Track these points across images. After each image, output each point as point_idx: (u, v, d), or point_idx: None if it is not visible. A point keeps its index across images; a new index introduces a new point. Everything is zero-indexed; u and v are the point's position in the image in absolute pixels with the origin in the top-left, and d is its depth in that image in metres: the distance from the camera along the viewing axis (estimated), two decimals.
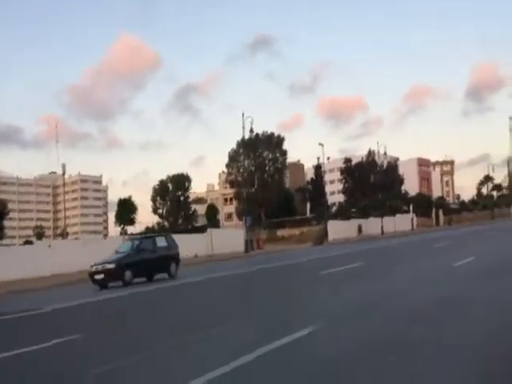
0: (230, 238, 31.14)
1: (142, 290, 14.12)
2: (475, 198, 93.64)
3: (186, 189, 68.23)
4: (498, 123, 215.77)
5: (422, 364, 4.56)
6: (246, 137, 37.98)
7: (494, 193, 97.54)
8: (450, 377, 4.13)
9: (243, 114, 34.73)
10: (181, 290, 13.43)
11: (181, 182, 67.62)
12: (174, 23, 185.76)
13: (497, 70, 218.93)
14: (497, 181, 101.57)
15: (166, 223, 64.58)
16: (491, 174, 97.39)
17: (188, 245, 27.67)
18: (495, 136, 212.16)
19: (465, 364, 4.47)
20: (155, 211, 66.53)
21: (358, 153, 75.89)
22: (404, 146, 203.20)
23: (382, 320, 6.82)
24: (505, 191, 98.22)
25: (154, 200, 66.87)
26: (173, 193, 66.62)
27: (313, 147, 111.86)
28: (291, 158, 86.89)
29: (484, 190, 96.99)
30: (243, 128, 34.80)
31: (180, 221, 64.02)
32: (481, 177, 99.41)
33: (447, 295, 8.49)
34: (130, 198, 21.56)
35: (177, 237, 30.31)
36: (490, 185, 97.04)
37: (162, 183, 67.78)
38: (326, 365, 4.74)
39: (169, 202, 65.68)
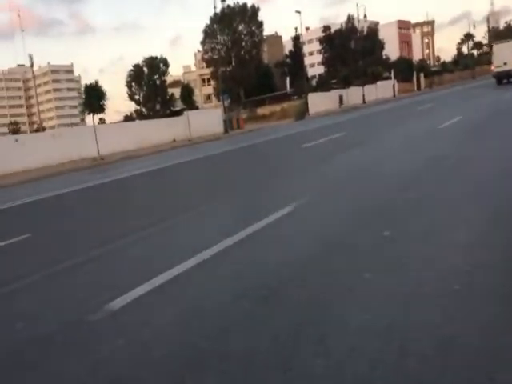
0: (208, 119, 29.98)
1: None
2: (456, 58, 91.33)
3: (163, 72, 64.80)
4: None
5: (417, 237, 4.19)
6: (218, 9, 34.43)
7: (475, 51, 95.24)
8: (447, 240, 3.77)
9: None
10: (154, 175, 12.91)
11: (156, 65, 63.98)
12: None
13: None
14: (477, 39, 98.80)
15: (143, 109, 62.52)
16: (472, 32, 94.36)
17: (165, 130, 26.79)
18: None
19: (465, 223, 4.11)
20: (131, 97, 63.65)
21: (339, 20, 71.25)
22: (385, 8, 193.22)
23: (370, 189, 6.40)
24: (485, 49, 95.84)
25: (129, 86, 63.46)
26: (148, 77, 63.38)
27: (292, 17, 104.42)
28: (269, 30, 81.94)
29: (465, 50, 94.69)
30: None
31: (158, 106, 61.86)
32: (462, 36, 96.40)
33: (437, 155, 8.09)
34: (96, 83, 19.94)
35: (151, 122, 29.26)
36: (471, 43, 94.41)
37: (137, 68, 64.10)
38: (303, 244, 4.33)
39: (145, 88, 62.73)
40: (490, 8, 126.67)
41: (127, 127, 26.94)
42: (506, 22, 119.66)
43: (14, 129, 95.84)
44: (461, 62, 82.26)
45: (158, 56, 63.95)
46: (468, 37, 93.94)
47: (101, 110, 21.42)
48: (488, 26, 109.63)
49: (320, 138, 14.67)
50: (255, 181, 8.86)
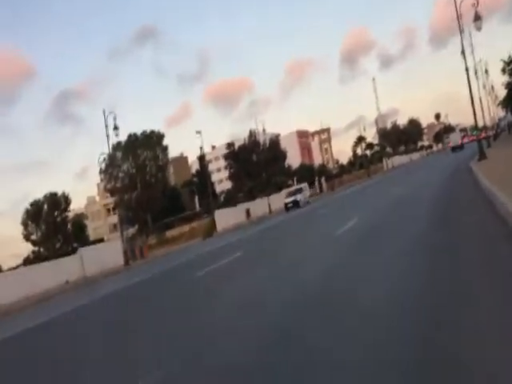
0: (106, 252, 27.62)
1: None
2: (352, 159, 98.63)
3: (64, 208, 61.35)
4: (369, 85, 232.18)
5: None
6: (111, 134, 32.84)
7: (368, 151, 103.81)
8: None
9: (104, 111, 30.72)
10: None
11: (57, 201, 60.86)
12: (43, 24, 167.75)
13: (365, 34, 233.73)
14: (369, 139, 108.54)
15: (42, 249, 57.62)
16: (363, 134, 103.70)
17: (56, 272, 24.10)
18: (368, 98, 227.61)
19: None
20: (27, 238, 58.82)
21: (245, 135, 73.71)
22: (288, 120, 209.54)
23: (247, 346, 5.02)
24: (376, 148, 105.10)
25: (25, 225, 58.96)
26: (49, 215, 59.63)
27: (198, 137, 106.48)
28: (176, 152, 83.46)
29: (359, 151, 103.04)
30: (106, 126, 30.73)
31: (59, 244, 57.59)
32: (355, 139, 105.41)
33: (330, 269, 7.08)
34: None
35: (38, 266, 25.42)
36: (364, 145, 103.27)
37: (35, 205, 60.40)
38: None
39: (43, 226, 58.62)
40: (378, 112, 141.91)
41: (6, 276, 23.86)
42: (391, 122, 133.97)
43: None
44: (356, 162, 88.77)
45: (60, 191, 61.32)
46: (360, 139, 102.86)
47: None
48: (377, 128, 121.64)
49: (219, 261, 13.74)
50: (118, 345, 6.97)
